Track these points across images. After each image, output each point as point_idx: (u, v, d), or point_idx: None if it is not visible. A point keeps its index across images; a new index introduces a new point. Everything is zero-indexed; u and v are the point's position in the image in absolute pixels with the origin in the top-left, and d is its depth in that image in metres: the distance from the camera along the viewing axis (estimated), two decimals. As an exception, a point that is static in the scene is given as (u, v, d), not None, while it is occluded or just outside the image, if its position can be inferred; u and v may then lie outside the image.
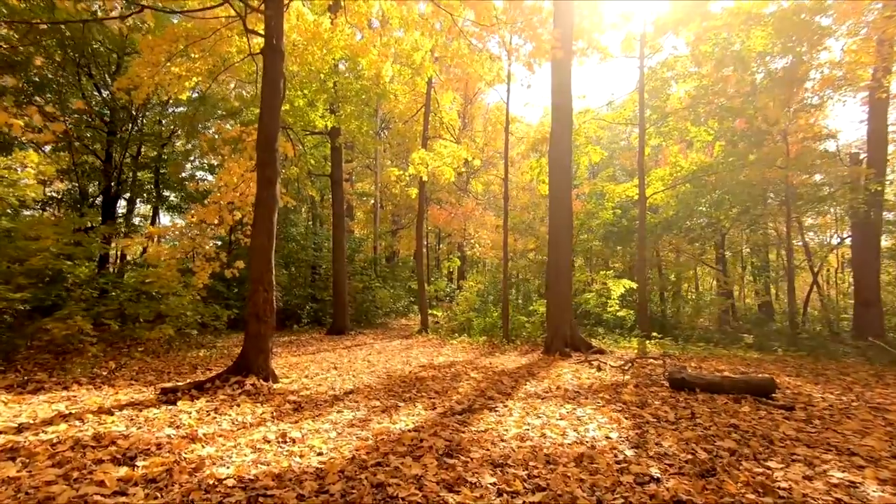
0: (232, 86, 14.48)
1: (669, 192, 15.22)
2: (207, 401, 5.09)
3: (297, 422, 4.52)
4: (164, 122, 16.08)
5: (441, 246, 30.42)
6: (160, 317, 9.00)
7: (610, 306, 13.26)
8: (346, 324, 14.46)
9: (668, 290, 17.82)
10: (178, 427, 4.19)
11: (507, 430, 4.33)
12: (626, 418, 4.67)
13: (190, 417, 4.47)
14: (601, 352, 9.89)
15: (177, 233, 9.23)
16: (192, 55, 9.90)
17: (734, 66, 13.94)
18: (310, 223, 22.65)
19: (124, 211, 17.49)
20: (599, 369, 7.52)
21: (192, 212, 9.06)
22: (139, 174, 17.76)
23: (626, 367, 7.50)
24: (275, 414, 4.76)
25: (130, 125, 16.61)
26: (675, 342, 11.87)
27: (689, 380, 5.91)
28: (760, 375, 6.15)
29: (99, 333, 7.71)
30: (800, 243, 19.82)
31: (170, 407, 4.85)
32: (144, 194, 18.01)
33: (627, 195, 16.01)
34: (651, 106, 14.85)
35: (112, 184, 16.10)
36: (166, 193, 17.20)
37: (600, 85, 52.25)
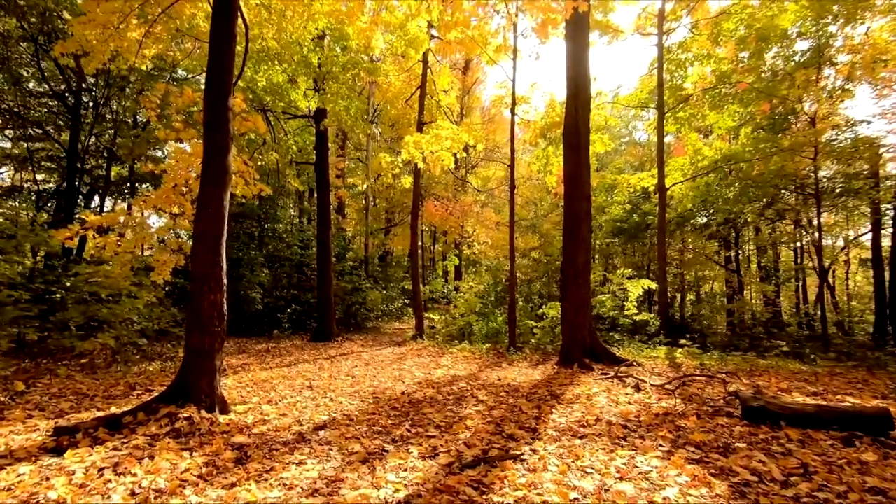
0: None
1: (689, 183, 13.84)
2: (113, 448, 3.59)
3: (232, 486, 3.04)
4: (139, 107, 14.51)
5: (436, 246, 28.91)
6: (103, 323, 7.48)
7: (627, 309, 11.84)
8: (332, 329, 12.95)
9: (688, 292, 16.49)
10: None
11: (545, 498, 2.88)
12: (714, 475, 3.23)
13: (70, 482, 2.97)
14: (627, 363, 8.47)
15: (125, 222, 7.70)
16: (149, 16, 8.38)
17: (758, 44, 12.61)
18: (297, 219, 21.12)
19: (97, 207, 15.89)
20: (638, 389, 6.07)
21: (142, 197, 7.53)
22: (113, 168, 16.19)
23: (670, 387, 6.06)
24: (205, 471, 3.27)
25: (95, 109, 15.05)
26: (704, 350, 10.49)
27: (772, 409, 4.47)
28: (871, 405, 4.75)
29: (14, 345, 6.17)
30: (808, 242, 18.59)
31: (50, 461, 3.34)
32: (114, 188, 16.47)
33: (642, 186, 14.62)
34: (669, 87, 13.46)
35: (76, 175, 14.53)
36: (146, 187, 15.64)
37: (608, 70, 50.78)
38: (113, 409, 4.94)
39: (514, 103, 11.42)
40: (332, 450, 3.79)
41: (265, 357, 9.70)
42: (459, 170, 24.30)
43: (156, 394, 5.11)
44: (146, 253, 13.84)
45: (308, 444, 3.92)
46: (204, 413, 4.41)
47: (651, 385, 6.15)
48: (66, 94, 14.68)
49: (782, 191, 13.94)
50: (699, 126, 15.15)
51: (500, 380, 7.20)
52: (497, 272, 20.88)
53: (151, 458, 3.38)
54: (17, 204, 15.33)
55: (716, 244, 18.04)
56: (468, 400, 5.71)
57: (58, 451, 3.51)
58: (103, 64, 8.59)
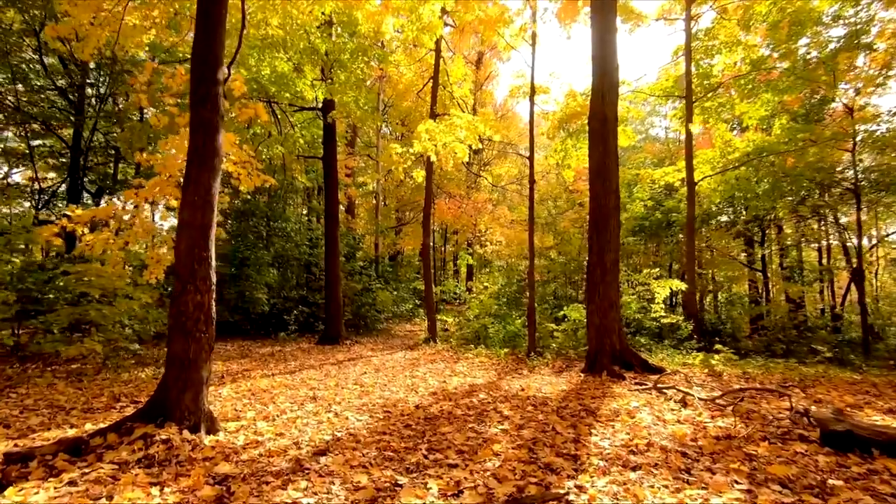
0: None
1: (718, 177, 12.99)
2: (69, 482, 2.96)
3: (205, 539, 2.39)
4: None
5: (447, 246, 28.21)
6: (92, 325, 6.92)
7: (653, 311, 11.06)
8: (341, 331, 12.33)
9: (712, 293, 15.63)
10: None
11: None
12: (819, 528, 2.51)
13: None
14: (661, 371, 7.72)
15: (116, 216, 7.13)
16: (146, -1, 7.83)
17: (792, 29, 11.75)
18: (305, 217, 20.58)
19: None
20: (685, 405, 5.33)
21: (134, 190, 6.93)
22: (121, 166, 15.76)
23: (721, 402, 5.32)
24: (174, 515, 2.63)
25: (98, 103, 14.63)
26: (741, 355, 9.69)
27: (861, 434, 3.72)
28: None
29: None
30: (836, 242, 17.63)
31: (-12, 500, 2.73)
32: (120, 186, 16.04)
33: (666, 181, 13.82)
34: (697, 75, 12.65)
35: (79, 172, 14.11)
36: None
37: (628, 61, 49.75)
38: (88, 426, 4.34)
39: (532, 91, 10.71)
40: (333, 483, 3.13)
41: (268, 362, 9.09)
42: (472, 166, 23.62)
43: (143, 405, 4.50)
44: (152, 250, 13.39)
45: (306, 475, 3.26)
46: (186, 434, 3.77)
47: (699, 399, 5.40)
48: (69, 89, 14.27)
49: (818, 185, 13.06)
50: (727, 117, 14.28)
51: (523, 390, 6.50)
52: (511, 272, 20.15)
53: (110, 497, 2.74)
54: (7, 199, 14.87)
55: (740, 243, 17.14)
56: (491, 416, 5.02)
57: (3, 484, 2.90)
58: (98, 50, 8.04)
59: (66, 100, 14.66)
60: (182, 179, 6.96)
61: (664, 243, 18.31)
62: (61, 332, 6.70)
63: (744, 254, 18.13)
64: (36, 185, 15.14)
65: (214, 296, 4.28)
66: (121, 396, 5.54)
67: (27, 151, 14.55)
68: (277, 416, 4.88)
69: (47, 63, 14.06)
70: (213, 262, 4.30)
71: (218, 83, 4.37)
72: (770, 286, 17.79)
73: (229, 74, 6.28)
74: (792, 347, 11.30)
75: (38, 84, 14.53)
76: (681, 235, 17.26)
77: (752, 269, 16.90)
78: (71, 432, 4.16)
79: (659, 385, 6.23)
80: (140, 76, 7.14)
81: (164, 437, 3.60)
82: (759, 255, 18.21)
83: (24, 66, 14.22)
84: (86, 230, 7.06)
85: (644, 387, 6.37)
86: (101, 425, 4.27)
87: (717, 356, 8.47)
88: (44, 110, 14.68)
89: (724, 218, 17.66)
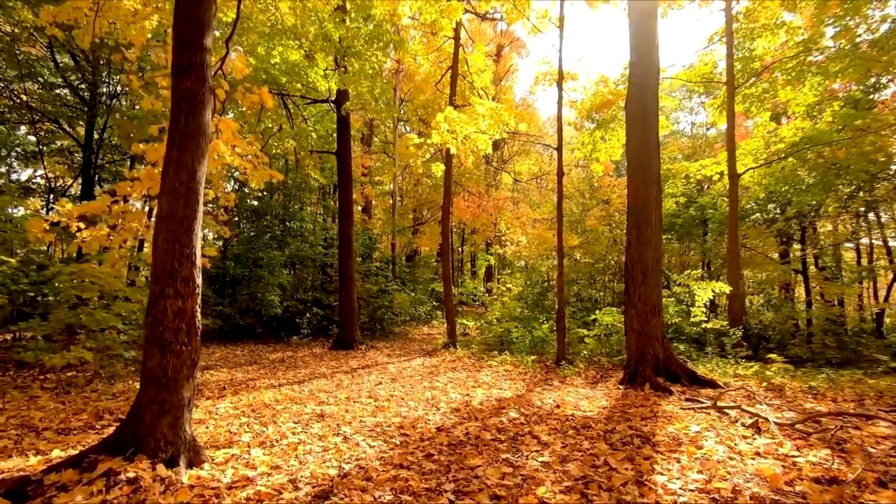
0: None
1: (761, 170, 11.96)
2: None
3: None
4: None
5: (464, 247, 27.41)
6: (83, 331, 6.37)
7: (694, 315, 10.11)
8: (355, 335, 11.67)
9: (751, 295, 14.56)
10: None
11: None
12: None
13: None
14: (712, 384, 6.84)
15: (112, 211, 6.57)
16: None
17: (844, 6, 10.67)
18: (321, 217, 20.04)
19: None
20: (758, 430, 4.47)
21: (129, 183, 6.35)
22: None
23: (803, 428, 4.45)
24: None
25: (109, 101, 14.28)
26: (795, 365, 8.72)
27: None
28: None
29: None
30: (879, 242, 16.38)
31: None
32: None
33: (703, 175, 12.83)
34: (739, 59, 11.65)
35: (91, 169, 13.78)
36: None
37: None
38: (55, 453, 3.70)
39: (561, 77, 9.89)
40: (335, 545, 2.41)
41: (277, 369, 8.46)
42: (492, 164, 22.81)
43: (111, 434, 3.84)
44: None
45: (300, 532, 2.55)
46: (161, 469, 3.09)
47: (774, 423, 4.54)
48: (80, 87, 13.95)
49: (871, 178, 11.93)
50: (769, 106, 13.22)
51: (558, 406, 5.71)
52: (533, 273, 19.29)
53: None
54: (18, 199, 14.65)
55: (774, 242, 16.02)
56: (527, 442, 4.25)
57: None
58: (99, 39, 7.48)
59: (79, 97, 14.35)
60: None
61: (697, 242, 17.26)
62: (46, 338, 6.15)
63: (776, 254, 16.98)
64: (48, 184, 14.88)
65: (200, 300, 3.61)
66: (105, 413, 4.91)
67: (38, 150, 14.27)
68: (277, 440, 4.19)
69: (60, 62, 13.79)
70: (199, 262, 3.63)
71: (204, 49, 3.70)
72: (810, 288, 16.59)
73: (228, 51, 5.65)
74: (847, 356, 10.26)
75: (51, 81, 14.23)
76: (715, 234, 16.23)
77: (792, 270, 15.75)
78: (33, 461, 3.52)
79: (719, 403, 5.37)
80: (129, 53, 6.55)
81: (131, 474, 2.93)
82: (798, 255, 17.05)
83: (36, 63, 13.93)
84: (81, 226, 6.51)
85: (701, 405, 5.51)
86: (72, 452, 3.64)
87: (772, 367, 7.53)
88: (57, 108, 14.37)
89: (756, 216, 16.56)
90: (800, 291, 19.29)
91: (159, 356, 3.36)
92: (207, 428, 4.45)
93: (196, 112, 3.60)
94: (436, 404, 5.83)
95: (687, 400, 5.99)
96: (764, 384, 6.88)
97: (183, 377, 3.42)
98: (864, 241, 17.30)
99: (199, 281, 3.60)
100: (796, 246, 17.11)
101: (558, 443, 4.21)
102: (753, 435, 4.37)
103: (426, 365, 9.36)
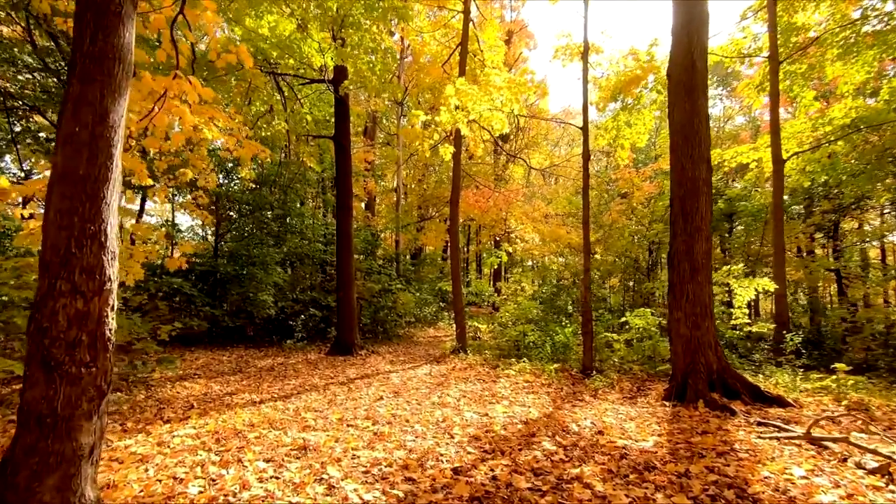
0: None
1: (805, 156, 10.74)
2: None
3: None
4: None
5: (471, 246, 26.24)
6: (16, 338, 5.28)
7: (735, 318, 8.93)
8: (355, 339, 10.55)
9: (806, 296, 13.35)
10: None
11: None
12: None
13: None
14: (780, 401, 5.68)
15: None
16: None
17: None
18: (320, 211, 18.95)
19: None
20: (891, 478, 3.30)
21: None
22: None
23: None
24: None
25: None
26: (865, 377, 7.52)
27: None
28: None
29: None
30: None
31: None
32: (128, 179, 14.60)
33: (740, 161, 11.62)
34: (782, 31, 10.46)
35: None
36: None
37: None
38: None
39: (586, 49, 8.73)
40: None
41: (263, 380, 7.35)
42: (501, 156, 21.67)
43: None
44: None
45: None
46: (30, 564, 1.98)
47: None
48: (62, 70, 12.93)
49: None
50: (812, 84, 12.01)
51: (601, 433, 4.57)
52: (546, 271, 18.14)
53: None
54: None
55: (802, 237, 14.81)
56: (577, 493, 3.10)
57: None
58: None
59: (60, 81, 13.31)
60: (131, 141, 5.27)
61: (724, 238, 16.07)
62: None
63: (805, 251, 15.78)
64: (21, 174, 13.84)
65: (114, 303, 2.49)
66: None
67: (10, 137, 13.25)
68: (235, 493, 3.06)
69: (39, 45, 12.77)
70: (115, 247, 2.51)
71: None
72: (842, 287, 15.33)
73: (188, -12, 4.55)
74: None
75: (29, 64, 13.18)
76: (747, 227, 15.05)
77: (827, 269, 14.50)
78: None
79: (813, 433, 4.19)
80: None
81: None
82: (831, 251, 15.84)
83: (12, 47, 12.90)
84: (26, 214, 5.42)
85: (786, 434, 4.35)
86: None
87: (850, 379, 6.34)
88: (35, 93, 13.33)
89: (796, 208, 15.37)
90: (832, 290, 18.05)
91: (44, 383, 2.24)
92: (147, 472, 3.34)
93: (108, 27, 2.48)
94: (449, 429, 4.70)
95: (759, 424, 4.83)
96: (843, 402, 5.71)
97: (81, 414, 2.30)
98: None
99: (112, 273, 2.48)
100: (823, 241, 15.93)
101: (621, 494, 3.07)
102: (884, 482, 3.21)
103: (434, 374, 8.22)
